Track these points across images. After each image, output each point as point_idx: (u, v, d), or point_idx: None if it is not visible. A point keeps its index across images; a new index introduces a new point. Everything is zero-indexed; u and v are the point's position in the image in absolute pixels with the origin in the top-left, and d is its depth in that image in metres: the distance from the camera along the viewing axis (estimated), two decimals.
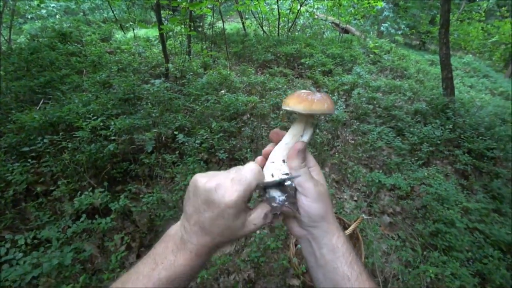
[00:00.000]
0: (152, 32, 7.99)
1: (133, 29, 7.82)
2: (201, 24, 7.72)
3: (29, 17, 9.30)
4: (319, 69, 6.25)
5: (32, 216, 2.25)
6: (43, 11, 8.94)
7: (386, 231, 2.85)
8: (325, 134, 4.11)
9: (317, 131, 4.06)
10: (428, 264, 2.39)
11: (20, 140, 2.69)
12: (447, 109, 4.98)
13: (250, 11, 9.16)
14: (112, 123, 2.94)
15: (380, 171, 3.56)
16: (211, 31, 7.51)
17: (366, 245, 2.46)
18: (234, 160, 3.25)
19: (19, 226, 2.20)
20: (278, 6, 8.21)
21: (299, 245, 2.27)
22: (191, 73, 4.89)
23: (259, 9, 8.34)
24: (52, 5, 9.14)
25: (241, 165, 0.52)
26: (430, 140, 4.15)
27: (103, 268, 2.04)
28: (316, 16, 10.68)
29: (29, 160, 2.44)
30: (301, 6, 8.72)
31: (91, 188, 2.36)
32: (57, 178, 2.52)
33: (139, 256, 2.24)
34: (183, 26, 5.51)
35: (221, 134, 3.34)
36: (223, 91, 4.56)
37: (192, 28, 5.68)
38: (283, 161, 0.57)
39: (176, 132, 3.15)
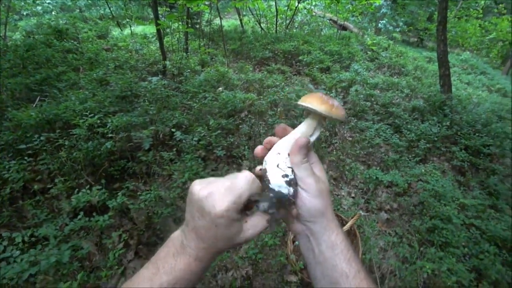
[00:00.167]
0: (150, 29, 7.94)
1: (130, 26, 7.77)
2: (199, 21, 7.67)
3: (24, 13, 9.21)
4: (317, 66, 6.24)
5: (29, 214, 2.24)
6: (39, 7, 8.86)
7: (383, 227, 2.87)
8: (323, 131, 4.12)
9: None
10: (425, 260, 2.41)
11: (17, 137, 2.67)
12: (444, 106, 5.00)
13: (247, 8, 9.13)
14: (109, 120, 2.93)
15: (378, 168, 3.57)
16: (208, 28, 7.49)
17: (364, 241, 2.47)
18: (232, 157, 3.25)
19: (16, 224, 2.20)
20: (276, 2, 8.17)
21: (297, 242, 2.28)
22: (189, 70, 4.88)
23: (257, 5, 8.31)
24: (47, 1, 9.05)
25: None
26: (427, 137, 4.16)
27: (101, 266, 2.05)
28: (314, 13, 10.64)
29: (26, 157, 2.43)
30: (299, 3, 8.69)
31: (88, 186, 2.35)
32: (54, 176, 2.51)
33: (137, 254, 2.24)
34: (180, 23, 5.49)
35: (219, 131, 3.34)
36: (220, 89, 4.55)
37: (189, 25, 5.66)
38: (289, 154, 0.57)
39: (173, 130, 3.15)
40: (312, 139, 0.60)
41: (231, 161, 3.24)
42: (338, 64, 6.72)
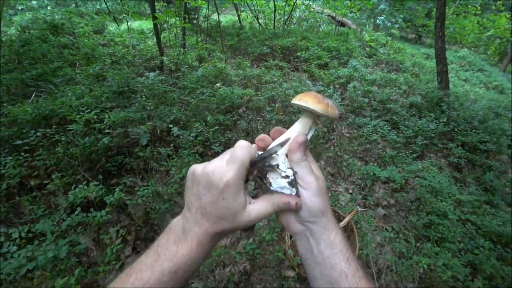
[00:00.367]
0: (146, 24, 7.89)
1: (127, 21, 7.72)
2: (196, 16, 7.62)
3: (19, 8, 9.12)
4: (315, 62, 6.23)
5: (26, 209, 2.24)
6: (34, 2, 8.78)
7: (380, 223, 2.88)
8: (321, 128, 4.12)
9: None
10: (421, 255, 2.43)
11: (13, 133, 2.65)
12: (442, 102, 5.01)
13: (245, 4, 9.07)
14: (106, 116, 2.91)
15: (375, 164, 3.58)
16: (206, 23, 7.44)
17: (361, 237, 2.48)
18: None
19: (13, 220, 2.19)
20: None
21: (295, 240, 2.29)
22: (186, 66, 4.85)
23: (255, 1, 8.26)
24: None
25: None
26: (424, 134, 4.18)
27: (98, 261, 2.05)
28: (312, 9, 10.61)
29: (22, 153, 2.41)
30: None
31: (85, 182, 2.35)
32: (51, 172, 2.50)
33: (134, 249, 2.25)
34: (177, 18, 5.45)
35: (217, 127, 3.33)
36: (218, 84, 4.53)
37: (187, 20, 5.61)
38: (287, 155, 0.57)
39: (171, 125, 3.14)
40: (307, 137, 0.60)
41: None
42: (336, 60, 6.71)
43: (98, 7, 9.80)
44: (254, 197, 0.55)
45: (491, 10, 16.08)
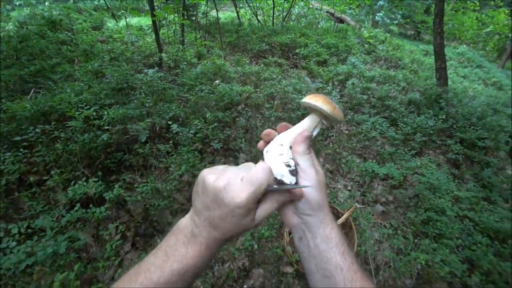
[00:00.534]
0: (145, 21, 7.84)
1: (125, 18, 7.67)
2: (195, 13, 7.59)
3: (17, 3, 9.05)
4: (314, 59, 6.22)
5: (25, 205, 2.24)
6: None
7: (378, 219, 2.90)
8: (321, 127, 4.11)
9: None
10: (419, 251, 2.45)
11: (11, 129, 2.65)
12: (440, 99, 5.01)
13: (244, 0, 9.03)
14: (106, 113, 2.91)
15: (374, 161, 3.59)
16: (205, 20, 7.41)
17: (359, 233, 2.50)
18: (229, 150, 3.25)
19: (12, 216, 2.20)
20: None
21: (292, 234, 2.30)
22: (185, 63, 4.84)
23: None
24: None
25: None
26: (423, 130, 4.19)
27: (98, 257, 2.06)
28: (311, 6, 10.57)
29: (21, 149, 2.41)
30: None
31: (85, 178, 2.35)
32: (50, 168, 2.50)
33: (134, 245, 2.25)
34: (176, 14, 5.44)
35: (216, 124, 3.33)
36: (217, 81, 4.53)
37: (185, 17, 5.60)
38: (290, 147, 0.59)
39: (170, 122, 3.13)
40: (313, 135, 0.63)
41: (228, 154, 3.25)
42: (335, 57, 6.70)
43: (96, 3, 9.73)
44: None
45: (489, 6, 16.04)
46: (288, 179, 0.54)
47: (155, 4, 4.82)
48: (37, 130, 2.57)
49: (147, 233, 2.35)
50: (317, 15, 10.61)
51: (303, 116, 0.64)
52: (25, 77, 3.63)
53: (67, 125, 2.72)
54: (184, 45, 5.69)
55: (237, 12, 8.63)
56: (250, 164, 0.52)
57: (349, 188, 3.23)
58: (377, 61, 7.64)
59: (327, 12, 11.24)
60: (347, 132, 4.20)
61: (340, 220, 2.00)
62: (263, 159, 0.59)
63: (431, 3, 13.83)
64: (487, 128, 4.58)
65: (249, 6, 9.11)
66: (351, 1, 9.44)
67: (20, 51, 4.18)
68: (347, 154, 3.63)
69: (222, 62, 5.08)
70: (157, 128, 3.25)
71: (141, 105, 3.31)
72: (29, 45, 4.35)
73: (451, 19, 14.82)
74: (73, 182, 2.28)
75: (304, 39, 7.12)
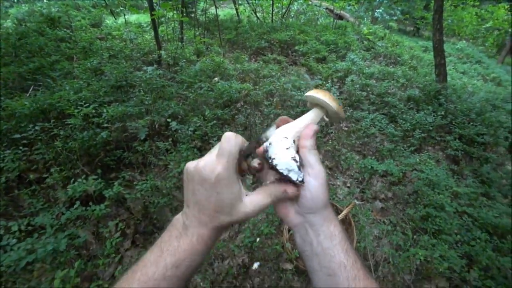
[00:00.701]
0: (144, 18, 7.82)
1: (124, 15, 7.64)
2: (194, 10, 7.56)
3: (15, 0, 9.01)
4: (313, 56, 6.21)
5: (25, 203, 2.25)
6: None
7: (378, 216, 2.91)
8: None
9: None
10: (418, 247, 2.45)
11: (11, 127, 2.65)
12: (440, 95, 5.01)
13: None
14: (105, 110, 2.91)
15: (373, 157, 3.59)
16: (204, 17, 7.39)
17: (358, 230, 2.51)
18: None
19: (12, 213, 2.20)
20: None
21: (292, 231, 2.31)
22: (184, 60, 4.83)
23: None
24: None
25: None
26: (422, 127, 4.19)
27: (98, 254, 2.07)
28: (310, 2, 10.54)
29: (21, 147, 2.42)
30: None
31: (84, 176, 2.35)
32: (49, 166, 2.50)
33: (133, 242, 2.26)
34: (175, 11, 5.41)
35: (215, 121, 3.33)
36: (216, 79, 4.52)
37: (184, 14, 5.58)
38: (294, 141, 0.56)
39: (169, 120, 3.14)
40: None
41: None
42: (334, 54, 6.69)
43: (95, 0, 9.69)
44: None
45: (489, 1, 15.95)
46: (296, 175, 0.52)
47: (154, 1, 4.80)
48: (36, 127, 2.58)
49: (147, 231, 2.36)
50: (316, 12, 10.57)
51: (302, 113, 0.62)
52: (24, 74, 3.62)
53: (66, 122, 2.73)
54: (183, 43, 5.68)
55: (236, 9, 8.60)
56: (220, 142, 0.53)
57: (348, 184, 3.24)
58: (376, 57, 7.63)
59: (326, 8, 11.21)
60: (346, 129, 4.20)
61: (340, 217, 2.01)
62: (266, 151, 0.56)
63: None
64: (486, 124, 4.58)
65: (248, 3, 9.08)
66: None
67: (18, 48, 4.18)
68: (346, 151, 3.64)
69: (221, 59, 5.08)
70: (156, 126, 3.25)
71: (140, 102, 3.30)
72: (27, 42, 4.35)
73: (451, 15, 14.78)
74: (72, 179, 2.28)
75: (303, 36, 7.10)
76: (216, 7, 6.63)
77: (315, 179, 0.53)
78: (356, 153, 3.74)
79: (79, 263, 1.77)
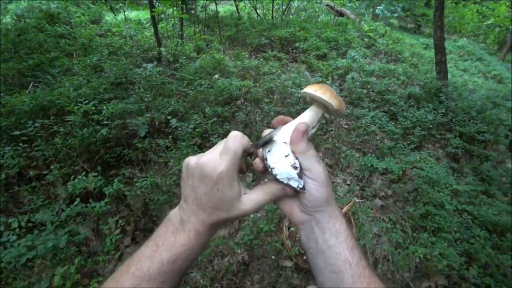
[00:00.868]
0: (144, 15, 7.79)
1: (124, 11, 7.62)
2: (194, 6, 7.54)
3: None
4: (313, 53, 6.20)
5: (25, 200, 2.25)
6: None
7: (377, 214, 2.91)
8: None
9: None
10: (417, 245, 2.46)
11: (11, 123, 2.65)
12: (440, 93, 5.00)
13: None
14: (105, 107, 2.90)
15: (373, 155, 3.59)
16: (204, 14, 7.36)
17: (358, 227, 2.51)
18: None
19: (12, 210, 2.20)
20: None
21: (292, 228, 2.31)
22: (184, 57, 4.82)
23: None
24: None
25: None
26: (422, 124, 4.18)
27: (98, 251, 2.07)
28: None
29: (21, 144, 2.41)
30: None
31: (84, 173, 2.35)
32: (49, 162, 2.50)
33: (133, 239, 2.27)
34: (175, 8, 5.40)
35: (215, 119, 3.33)
36: (216, 76, 4.51)
37: (184, 11, 5.56)
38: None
39: (169, 117, 3.13)
40: (314, 130, 0.60)
41: None
42: (334, 51, 6.67)
43: None
44: None
45: None
46: (296, 183, 0.52)
47: None
48: (36, 124, 2.57)
49: (147, 228, 2.36)
50: (317, 9, 10.53)
51: (302, 111, 0.61)
52: (23, 71, 3.61)
53: (66, 119, 2.72)
54: (183, 39, 5.66)
55: (236, 6, 8.57)
56: (225, 139, 0.52)
57: (348, 182, 3.24)
58: (377, 54, 7.61)
59: (327, 5, 11.16)
60: (346, 126, 4.20)
61: None
62: (265, 159, 0.56)
63: None
64: (487, 121, 4.58)
65: (248, 0, 9.04)
66: None
67: (18, 44, 4.16)
68: (346, 149, 3.63)
69: (221, 56, 5.06)
70: (156, 123, 3.25)
71: (140, 99, 3.30)
72: (27, 38, 4.33)
73: (452, 12, 14.71)
74: (72, 176, 2.28)
75: (303, 33, 7.08)
76: (216, 4, 6.60)
77: (314, 180, 0.53)
78: (356, 151, 3.74)
79: (79, 260, 1.78)
